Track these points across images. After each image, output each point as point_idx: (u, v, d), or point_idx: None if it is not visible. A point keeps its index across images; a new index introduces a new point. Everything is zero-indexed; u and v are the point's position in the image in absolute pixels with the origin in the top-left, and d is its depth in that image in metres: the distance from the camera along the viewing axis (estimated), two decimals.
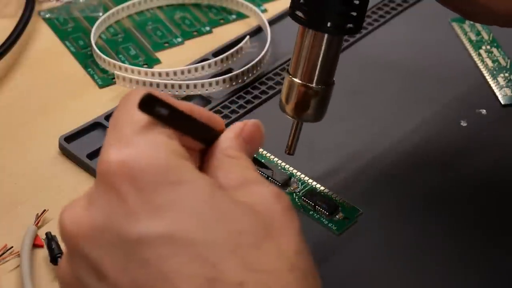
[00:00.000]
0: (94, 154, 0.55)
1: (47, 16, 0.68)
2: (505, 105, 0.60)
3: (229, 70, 0.62)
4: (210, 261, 0.32)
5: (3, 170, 0.55)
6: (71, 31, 0.67)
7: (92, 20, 0.67)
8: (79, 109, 0.60)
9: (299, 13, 0.46)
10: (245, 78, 0.61)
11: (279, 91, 0.50)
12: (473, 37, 0.66)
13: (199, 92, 0.60)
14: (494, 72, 0.63)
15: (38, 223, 0.50)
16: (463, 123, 0.58)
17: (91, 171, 0.54)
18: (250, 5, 0.68)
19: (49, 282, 0.48)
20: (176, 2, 0.70)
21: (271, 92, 0.61)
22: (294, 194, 0.53)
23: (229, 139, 0.38)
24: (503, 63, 0.64)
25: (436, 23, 0.68)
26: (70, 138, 0.56)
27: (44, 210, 0.51)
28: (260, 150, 0.55)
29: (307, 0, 0.45)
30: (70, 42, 0.66)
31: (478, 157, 0.56)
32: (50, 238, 0.49)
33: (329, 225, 0.51)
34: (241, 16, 0.69)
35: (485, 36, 0.66)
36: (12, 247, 0.49)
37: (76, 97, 0.61)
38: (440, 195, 0.53)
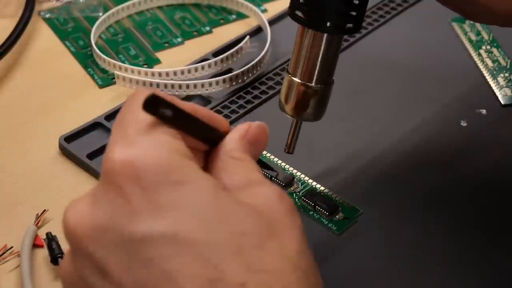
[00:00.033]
0: (94, 154, 0.55)
1: (47, 16, 0.68)
2: (505, 105, 0.60)
3: (229, 70, 0.62)
4: (212, 261, 0.32)
5: (3, 170, 0.55)
6: (71, 31, 0.67)
7: (92, 20, 0.67)
8: (79, 109, 0.60)
9: (299, 13, 0.46)
10: (245, 78, 0.61)
11: (279, 91, 0.50)
12: (473, 37, 0.66)
13: (199, 92, 0.60)
14: (494, 72, 0.63)
15: (38, 223, 0.50)
16: (463, 123, 0.58)
17: (91, 171, 0.54)
18: (250, 5, 0.68)
19: (49, 282, 0.47)
20: (176, 2, 0.70)
21: (271, 92, 0.61)
22: (294, 194, 0.53)
23: (233, 140, 0.38)
24: (503, 63, 0.64)
25: (436, 23, 0.68)
26: (70, 138, 0.56)
27: (44, 210, 0.51)
28: None
29: (306, 0, 0.45)
30: (70, 42, 0.66)
31: (478, 157, 0.56)
32: (50, 238, 0.49)
33: (329, 225, 0.51)
34: (241, 16, 0.69)
35: (485, 36, 0.66)
36: (12, 247, 0.49)
37: (76, 97, 0.61)
38: (440, 195, 0.53)
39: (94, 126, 0.57)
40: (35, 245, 0.49)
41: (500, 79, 0.62)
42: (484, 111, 0.59)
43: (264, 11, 0.70)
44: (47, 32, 0.67)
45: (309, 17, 0.46)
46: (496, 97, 0.61)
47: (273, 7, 0.70)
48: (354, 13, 0.45)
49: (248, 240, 0.33)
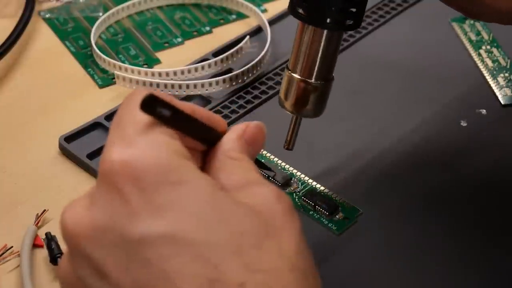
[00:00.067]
0: (94, 154, 0.55)
1: (47, 16, 0.68)
2: (505, 105, 0.60)
3: (229, 70, 0.62)
4: (212, 262, 0.32)
5: (3, 170, 0.55)
6: (71, 31, 0.67)
7: (92, 20, 0.67)
8: (79, 109, 0.60)
9: (299, 9, 0.46)
10: (245, 78, 0.61)
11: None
12: (473, 37, 0.66)
13: (199, 92, 0.60)
14: (494, 72, 0.63)
15: (38, 223, 0.50)
16: (463, 123, 0.58)
17: (91, 171, 0.54)
18: (250, 5, 0.68)
19: (49, 282, 0.47)
20: (176, 2, 0.70)
21: (271, 92, 0.61)
22: (294, 194, 0.53)
23: (231, 140, 0.38)
24: (503, 63, 0.64)
25: (436, 23, 0.68)
26: (70, 138, 0.56)
27: (44, 210, 0.51)
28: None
29: None
30: (70, 42, 0.66)
31: (478, 157, 0.56)
32: (49, 238, 0.49)
33: (329, 225, 0.51)
34: (241, 16, 0.69)
35: (485, 36, 0.66)
36: (12, 247, 0.49)
37: (76, 97, 0.61)
38: (440, 195, 0.53)
39: (94, 126, 0.57)
40: (35, 245, 0.49)
41: (500, 79, 0.62)
42: (484, 111, 0.59)
43: (264, 11, 0.70)
44: (47, 32, 0.67)
45: (309, 13, 0.46)
46: (496, 97, 0.61)
47: (273, 7, 0.70)
48: (354, 10, 0.46)
49: (247, 240, 0.33)
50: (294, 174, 0.54)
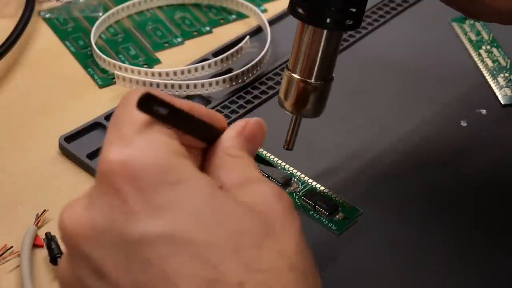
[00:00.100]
0: (94, 154, 0.55)
1: (47, 16, 0.68)
2: (505, 105, 0.60)
3: (229, 70, 0.62)
4: (211, 262, 0.32)
5: (3, 170, 0.55)
6: (71, 31, 0.67)
7: (92, 20, 0.67)
8: (79, 109, 0.60)
9: (299, 9, 0.46)
10: (245, 78, 0.61)
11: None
12: (473, 37, 0.66)
13: (199, 92, 0.60)
14: (494, 72, 0.63)
15: (38, 223, 0.50)
16: (463, 123, 0.58)
17: (91, 171, 0.54)
18: (250, 5, 0.68)
19: (49, 282, 0.47)
20: (176, 2, 0.70)
21: (271, 92, 0.61)
22: (294, 194, 0.53)
23: (230, 138, 0.38)
24: (503, 63, 0.64)
25: (436, 23, 0.68)
26: (70, 138, 0.56)
27: (44, 210, 0.51)
28: (260, 150, 0.55)
29: None
30: (70, 42, 0.66)
31: (478, 157, 0.56)
32: (49, 238, 0.49)
33: (329, 225, 0.51)
34: (241, 16, 0.69)
35: (485, 36, 0.66)
36: (12, 247, 0.49)
37: (76, 97, 0.61)
38: (440, 195, 0.53)
39: (94, 126, 0.57)
40: (35, 245, 0.49)
41: (500, 79, 0.62)
42: (484, 111, 0.59)
43: (264, 11, 0.70)
44: (47, 32, 0.67)
45: (309, 13, 0.46)
46: (496, 97, 0.61)
47: (273, 7, 0.70)
48: (354, 10, 0.46)
49: (247, 240, 0.33)
50: (294, 174, 0.54)
